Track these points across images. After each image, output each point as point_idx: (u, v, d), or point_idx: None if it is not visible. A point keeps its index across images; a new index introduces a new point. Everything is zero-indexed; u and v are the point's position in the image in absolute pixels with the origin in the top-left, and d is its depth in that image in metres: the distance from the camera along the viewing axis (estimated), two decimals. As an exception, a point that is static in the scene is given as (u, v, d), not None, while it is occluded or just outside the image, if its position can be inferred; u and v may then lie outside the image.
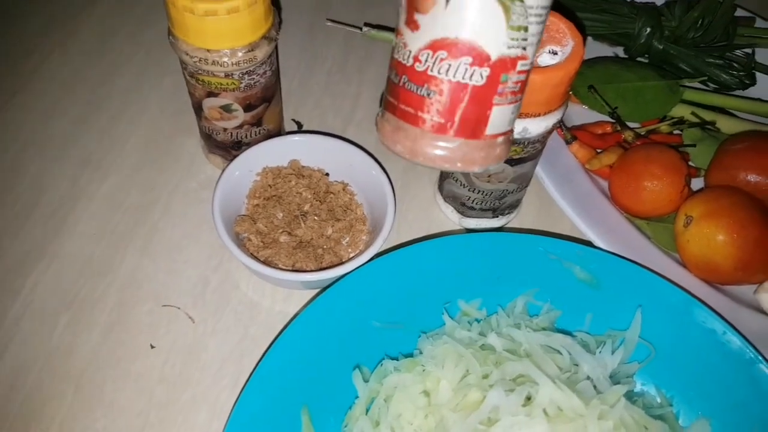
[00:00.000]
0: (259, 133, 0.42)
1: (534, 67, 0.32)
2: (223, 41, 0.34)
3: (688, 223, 0.39)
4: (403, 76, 0.29)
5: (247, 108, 0.39)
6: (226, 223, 0.38)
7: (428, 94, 0.28)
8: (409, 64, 0.28)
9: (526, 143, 0.35)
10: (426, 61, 0.28)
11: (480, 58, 0.27)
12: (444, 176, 0.41)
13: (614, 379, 0.33)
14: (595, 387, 0.30)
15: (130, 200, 0.43)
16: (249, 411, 0.30)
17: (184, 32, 0.34)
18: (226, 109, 0.39)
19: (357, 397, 0.33)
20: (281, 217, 0.40)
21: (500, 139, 0.30)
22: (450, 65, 0.27)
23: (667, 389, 0.35)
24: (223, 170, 0.39)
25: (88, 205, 0.42)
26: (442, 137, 0.29)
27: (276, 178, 0.42)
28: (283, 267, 0.38)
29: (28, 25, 0.52)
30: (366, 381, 0.33)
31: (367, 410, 0.33)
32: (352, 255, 0.40)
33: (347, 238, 0.41)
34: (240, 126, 0.40)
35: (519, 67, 0.28)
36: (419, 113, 0.29)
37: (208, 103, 0.39)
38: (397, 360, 0.34)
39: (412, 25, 0.28)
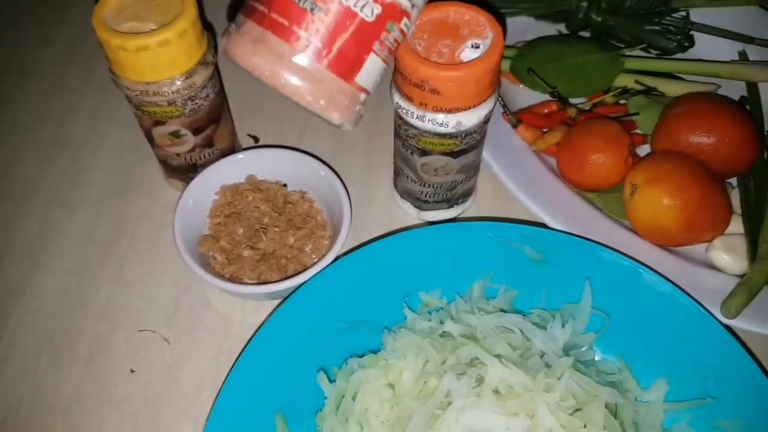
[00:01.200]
0: (213, 153, 0.43)
1: (457, 64, 0.33)
2: (160, 73, 0.36)
3: (634, 191, 0.40)
4: None
5: (196, 131, 0.40)
6: (190, 245, 0.39)
7: (311, 9, 0.25)
8: None
9: (463, 135, 0.36)
10: None
11: None
12: (397, 173, 0.43)
13: (574, 351, 0.35)
14: (546, 362, 0.31)
15: (99, 234, 0.44)
16: (222, 421, 0.32)
17: (122, 69, 0.36)
18: (175, 135, 0.40)
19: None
20: (242, 232, 0.41)
21: (362, 96, 0.28)
22: None
23: (625, 356, 0.36)
24: (180, 194, 0.41)
25: (60, 242, 0.44)
26: (313, 65, 0.25)
27: (234, 195, 0.43)
28: (249, 281, 0.40)
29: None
30: (329, 380, 0.34)
31: (338, 409, 0.34)
32: (315, 261, 0.42)
33: (310, 245, 0.42)
34: (192, 149, 0.41)
35: (402, 24, 0.27)
36: (294, 27, 0.25)
37: (157, 131, 0.40)
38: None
39: None
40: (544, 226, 0.40)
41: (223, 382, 0.33)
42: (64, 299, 0.41)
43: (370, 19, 0.26)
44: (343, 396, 0.34)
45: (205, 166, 0.42)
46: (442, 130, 0.35)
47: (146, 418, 0.37)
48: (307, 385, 0.35)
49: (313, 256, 0.42)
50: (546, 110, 0.47)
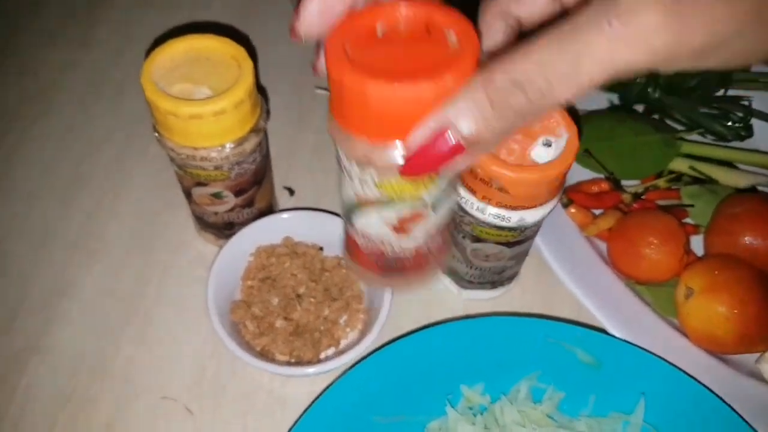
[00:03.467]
0: (251, 213, 0.41)
1: (529, 165, 0.31)
2: (210, 140, 0.34)
3: (689, 295, 0.38)
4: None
5: (238, 193, 0.38)
6: (222, 309, 0.38)
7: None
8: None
9: (523, 229, 0.34)
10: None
11: None
12: (440, 250, 0.41)
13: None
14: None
15: (121, 286, 0.42)
16: None
17: (169, 132, 0.34)
18: (217, 196, 0.38)
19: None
20: (277, 302, 0.39)
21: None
22: None
23: (672, 473, 0.34)
24: (215, 257, 0.39)
25: (79, 294, 0.41)
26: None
27: (270, 257, 0.41)
28: (281, 356, 0.38)
29: (2, 102, 0.50)
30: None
31: None
32: (350, 334, 0.40)
33: (344, 317, 0.40)
34: (231, 209, 0.39)
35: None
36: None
37: (198, 191, 0.38)
38: (400, 455, 0.34)
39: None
40: (591, 325, 0.39)
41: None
42: (83, 358, 0.39)
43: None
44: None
45: (242, 224, 0.40)
46: (503, 224, 0.33)
47: (164, 497, 0.35)
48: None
49: (348, 329, 0.40)
50: (596, 189, 0.45)
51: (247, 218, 0.41)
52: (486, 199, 0.32)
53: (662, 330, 0.39)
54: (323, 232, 0.42)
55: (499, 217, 0.33)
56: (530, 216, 0.33)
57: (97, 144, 0.48)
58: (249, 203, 0.40)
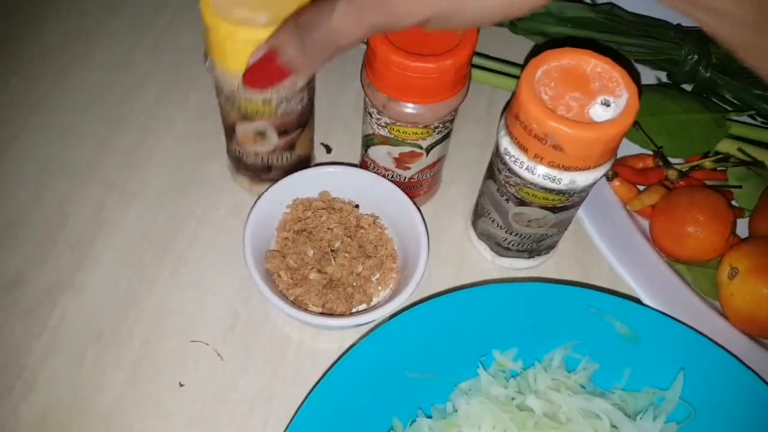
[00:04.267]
0: (290, 158, 0.41)
1: (587, 123, 0.30)
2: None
3: (734, 275, 0.37)
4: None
5: (282, 134, 0.38)
6: (257, 258, 0.37)
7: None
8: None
9: (571, 193, 0.34)
10: None
11: None
12: (480, 214, 0.40)
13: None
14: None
15: (157, 228, 0.42)
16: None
17: (223, 57, 0.33)
18: (261, 134, 0.38)
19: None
20: (312, 254, 0.39)
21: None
22: None
23: (705, 451, 0.34)
24: (254, 205, 0.38)
25: (114, 233, 0.41)
26: None
27: (306, 211, 0.41)
28: (314, 307, 0.38)
29: (43, 40, 0.50)
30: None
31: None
32: (382, 293, 0.40)
33: (377, 276, 0.40)
34: (272, 150, 0.39)
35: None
36: None
37: (242, 128, 0.37)
38: (430, 414, 0.34)
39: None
40: (629, 296, 0.38)
41: (289, 423, 0.31)
42: (115, 296, 0.39)
43: None
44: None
45: (279, 169, 0.40)
46: (552, 186, 0.33)
47: (190, 438, 0.35)
48: (367, 434, 0.33)
49: (380, 288, 0.40)
50: (640, 165, 0.44)
51: (285, 163, 0.41)
52: (538, 157, 0.32)
53: (702, 310, 0.38)
54: (359, 189, 0.41)
55: (549, 177, 0.32)
56: (581, 179, 0.32)
57: (138, 87, 0.48)
58: (290, 147, 0.40)
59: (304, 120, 0.39)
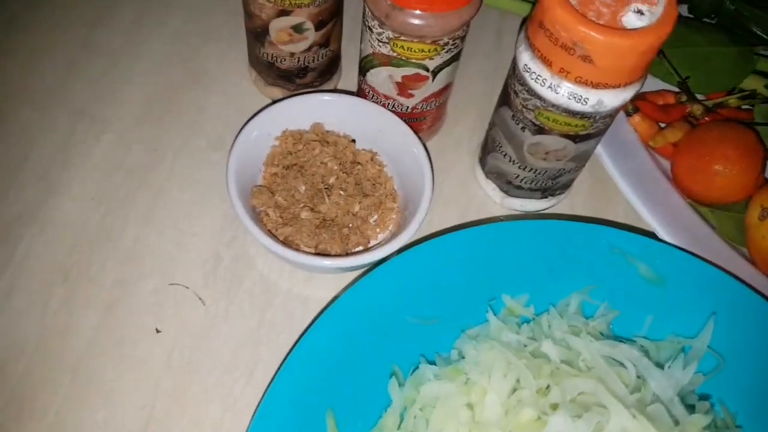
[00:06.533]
0: (326, 55, 0.38)
1: (623, 30, 0.27)
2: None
3: (765, 216, 0.34)
4: None
5: (319, 25, 0.35)
6: (242, 195, 0.33)
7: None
8: None
9: (596, 117, 0.30)
10: None
11: None
12: (490, 148, 0.36)
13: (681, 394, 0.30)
14: (669, 411, 0.26)
15: (131, 159, 0.38)
16: (273, 413, 0.27)
17: None
18: (297, 29, 0.35)
19: (387, 401, 0.29)
20: (303, 191, 0.35)
21: None
22: None
23: (731, 404, 0.31)
24: (237, 135, 0.34)
25: (84, 164, 0.37)
26: None
27: (297, 144, 0.37)
28: (306, 248, 0.34)
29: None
30: (401, 385, 0.29)
31: (400, 418, 0.29)
32: (380, 235, 0.36)
33: (375, 217, 0.36)
34: (308, 48, 0.36)
35: None
36: None
37: (278, 25, 0.35)
38: (433, 361, 0.31)
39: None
40: (652, 235, 0.35)
41: (279, 368, 0.27)
42: (84, 233, 0.35)
43: None
44: (407, 406, 0.29)
45: (314, 70, 0.38)
46: (577, 107, 0.29)
47: (168, 386, 0.32)
48: (363, 383, 0.30)
49: (378, 230, 0.36)
50: (661, 101, 0.40)
51: (321, 61, 0.38)
52: (563, 72, 0.28)
53: (728, 254, 0.35)
54: (355, 121, 0.37)
55: (574, 96, 0.28)
56: (610, 99, 0.29)
57: (112, 5, 0.43)
58: (326, 42, 0.37)
59: (339, 7, 0.36)
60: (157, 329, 0.33)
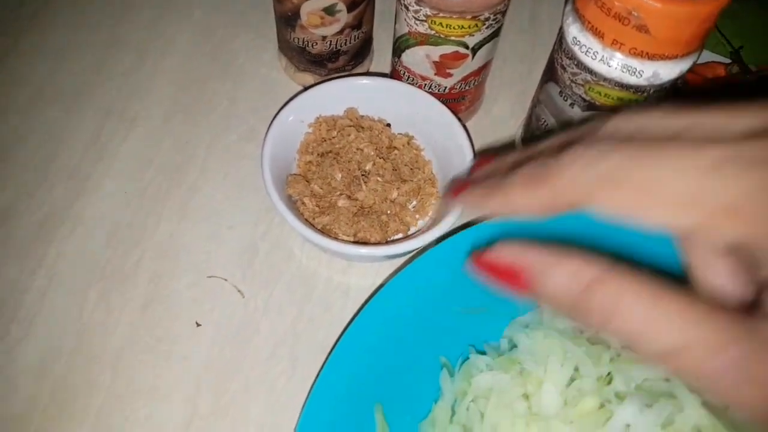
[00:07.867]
0: (358, 37, 0.37)
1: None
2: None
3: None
4: None
5: (351, 6, 0.34)
6: (277, 186, 0.32)
7: None
8: None
9: (650, 90, 0.28)
10: None
11: None
12: (533, 128, 0.35)
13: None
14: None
15: (161, 156, 0.37)
16: (320, 409, 0.26)
17: None
18: (329, 11, 0.34)
19: (435, 393, 0.28)
20: (340, 178, 0.34)
21: None
22: None
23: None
24: (271, 123, 0.33)
25: (113, 162, 0.37)
26: None
27: (330, 130, 0.36)
28: (345, 237, 0.33)
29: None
30: (450, 376, 0.28)
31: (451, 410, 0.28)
32: (420, 222, 0.35)
33: (414, 203, 0.35)
34: (341, 31, 0.35)
35: None
36: None
37: (309, 7, 0.34)
38: (483, 351, 0.29)
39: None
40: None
41: (324, 363, 0.26)
42: (117, 230, 0.34)
43: None
44: (457, 398, 0.28)
45: (346, 54, 0.37)
46: (632, 80, 0.27)
47: (209, 383, 0.31)
48: (411, 376, 0.28)
49: (417, 216, 0.35)
50: (710, 74, 0.38)
51: (353, 44, 0.37)
52: (617, 44, 0.26)
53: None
54: (391, 104, 0.36)
55: (628, 69, 0.27)
56: (666, 71, 0.27)
57: (136, 3, 0.43)
58: (358, 23, 0.36)
59: None
60: (197, 323, 0.32)
